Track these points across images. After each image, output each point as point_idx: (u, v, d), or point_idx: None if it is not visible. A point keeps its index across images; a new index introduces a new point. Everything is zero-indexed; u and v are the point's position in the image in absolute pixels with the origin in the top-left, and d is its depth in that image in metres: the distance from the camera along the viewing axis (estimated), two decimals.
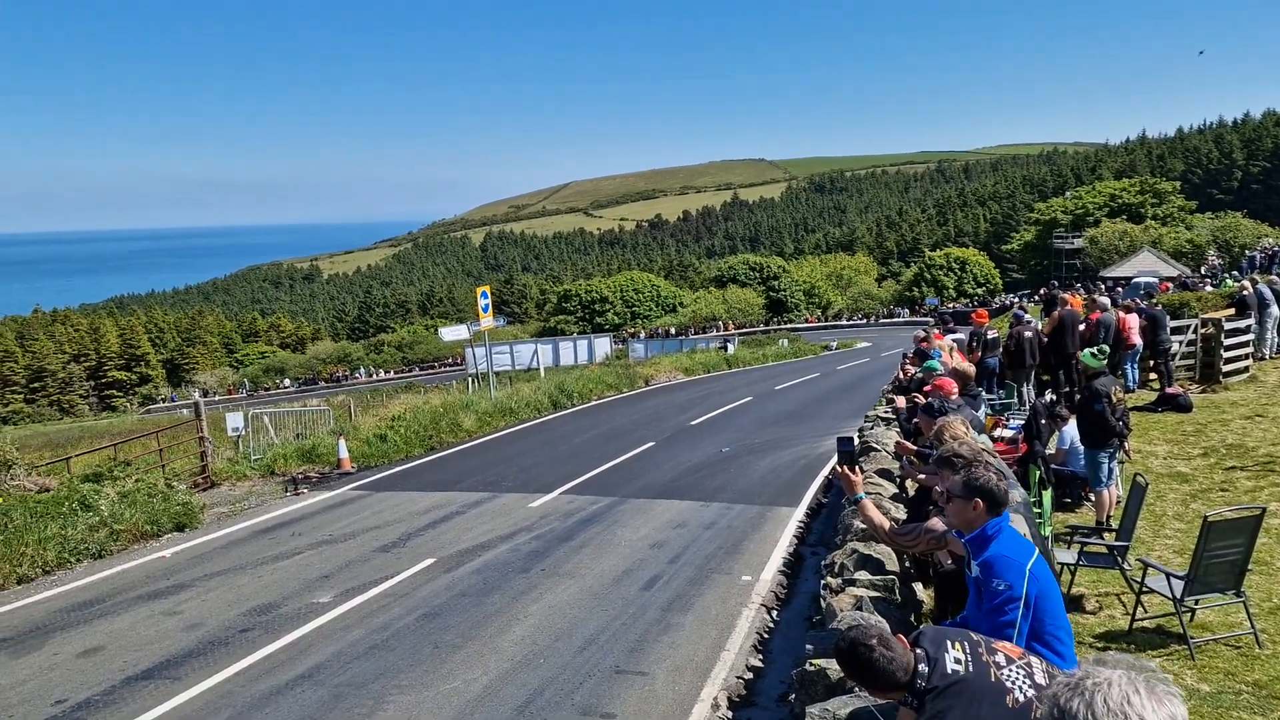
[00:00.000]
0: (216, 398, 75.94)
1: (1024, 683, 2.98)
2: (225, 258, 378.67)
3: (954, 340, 14.86)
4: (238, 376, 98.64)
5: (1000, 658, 3.06)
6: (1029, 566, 3.85)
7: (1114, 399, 9.00)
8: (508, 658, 7.82)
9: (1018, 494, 4.81)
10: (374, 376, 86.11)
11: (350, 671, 7.66)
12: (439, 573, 10.38)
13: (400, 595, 9.64)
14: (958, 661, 3.00)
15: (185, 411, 58.25)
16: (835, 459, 5.93)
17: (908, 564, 6.35)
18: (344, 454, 17.91)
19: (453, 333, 35.35)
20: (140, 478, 14.81)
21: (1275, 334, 18.51)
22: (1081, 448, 9.87)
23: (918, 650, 3.06)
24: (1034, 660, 3.13)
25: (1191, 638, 6.33)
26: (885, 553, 6.02)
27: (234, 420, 19.97)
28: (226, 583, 10.49)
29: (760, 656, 7.79)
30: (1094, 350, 9.60)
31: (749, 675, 7.38)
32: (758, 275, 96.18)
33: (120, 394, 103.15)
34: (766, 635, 8.28)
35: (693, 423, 21.76)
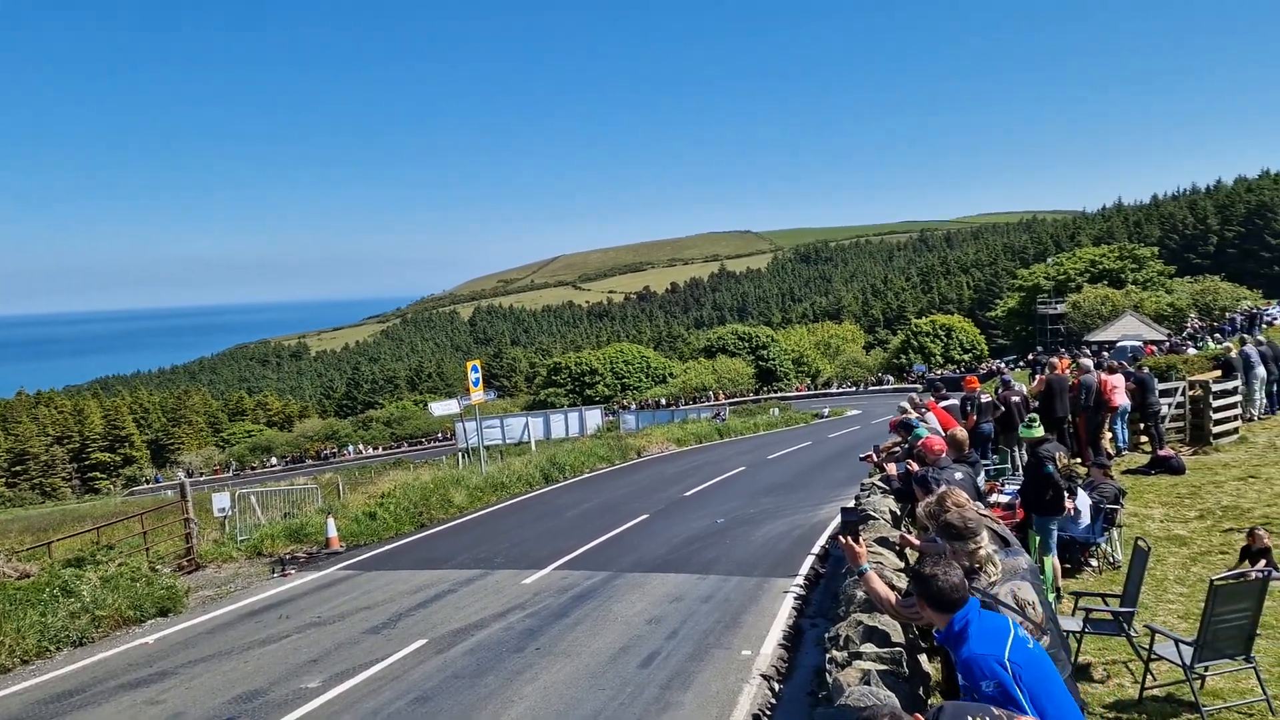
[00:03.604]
0: (202, 478, 75.19)
1: None
2: (212, 336, 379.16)
3: (946, 407, 14.84)
4: (224, 456, 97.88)
5: None
6: (1007, 655, 3.63)
7: (1058, 464, 8.94)
8: None
9: (1024, 560, 4.72)
10: (362, 453, 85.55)
11: None
12: (431, 654, 10.13)
13: (391, 678, 9.39)
14: None
15: (170, 493, 57.58)
16: (839, 529, 5.84)
17: (913, 634, 6.23)
18: (333, 533, 17.65)
19: (443, 407, 35.29)
20: (123, 561, 14.48)
21: (1263, 395, 18.59)
22: (1083, 514, 9.83)
23: None
24: None
25: (1204, 705, 6.20)
26: (890, 624, 5.89)
27: (220, 500, 19.68)
28: (211, 669, 10.21)
29: None
30: (1027, 422, 9.65)
31: None
32: (747, 345, 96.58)
33: (104, 476, 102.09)
34: (769, 712, 8.07)
35: (686, 494, 21.58)
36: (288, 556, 16.86)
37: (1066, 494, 9.79)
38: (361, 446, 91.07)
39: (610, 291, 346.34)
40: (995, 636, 3.73)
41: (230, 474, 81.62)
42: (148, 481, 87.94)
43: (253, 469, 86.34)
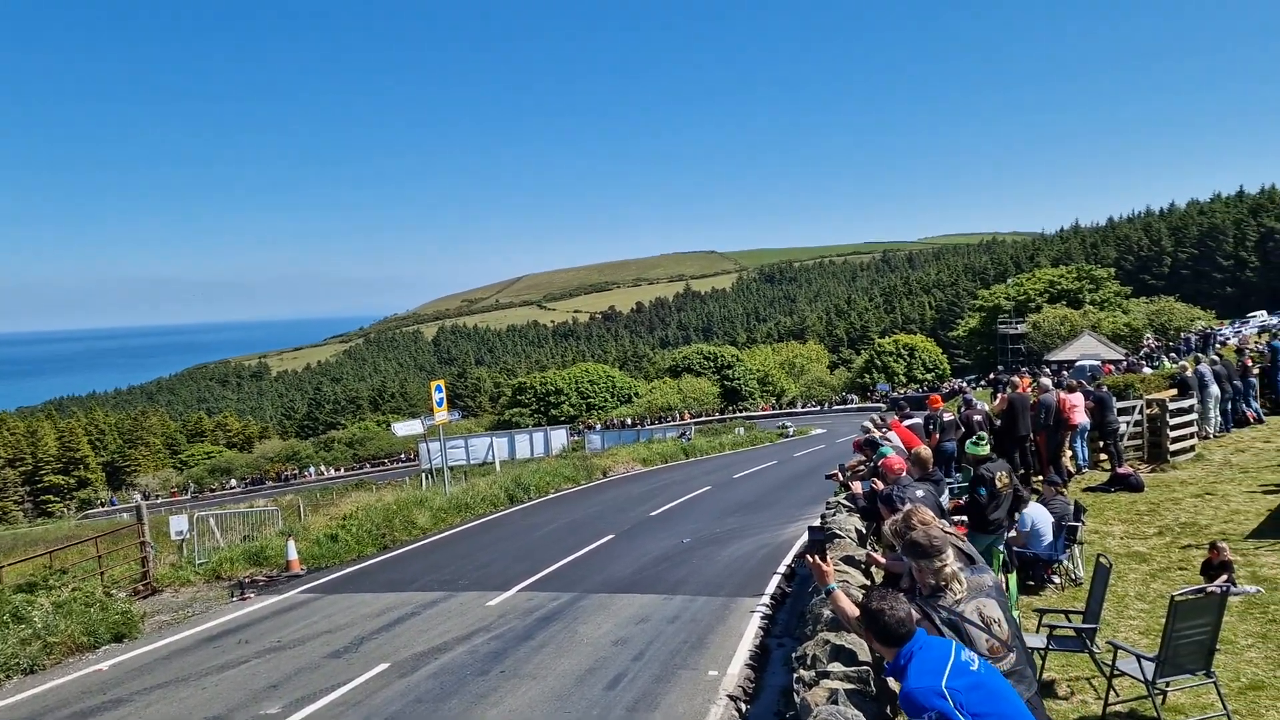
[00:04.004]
0: (159, 500, 73.93)
1: None
2: (171, 356, 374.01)
3: (910, 425, 14.96)
4: (182, 478, 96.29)
5: None
6: (944, 683, 3.61)
7: (999, 484, 9.02)
8: None
9: (989, 578, 4.75)
10: (323, 475, 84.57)
11: None
12: (394, 678, 9.98)
13: (353, 704, 9.23)
14: None
15: (125, 516, 56.40)
16: (807, 547, 5.85)
17: (879, 653, 6.23)
18: (293, 555, 17.38)
19: (407, 427, 35.00)
20: (77, 586, 14.17)
21: (1218, 413, 18.94)
22: (1044, 531, 9.94)
23: None
24: None
25: None
26: (857, 643, 5.88)
27: (178, 523, 19.28)
28: (167, 696, 9.97)
29: None
30: (975, 439, 9.73)
31: None
32: (712, 364, 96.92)
33: (57, 499, 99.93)
34: None
35: (653, 514, 21.53)
36: (247, 580, 16.57)
37: (1008, 513, 9.92)
38: (323, 468, 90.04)
39: (575, 311, 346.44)
40: (934, 667, 3.71)
41: (188, 496, 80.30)
42: (103, 504, 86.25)
43: (211, 491, 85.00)
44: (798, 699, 5.53)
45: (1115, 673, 6.68)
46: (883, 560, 7.20)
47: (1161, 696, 6.49)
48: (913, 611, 3.99)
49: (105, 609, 13.06)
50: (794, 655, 6.80)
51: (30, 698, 10.41)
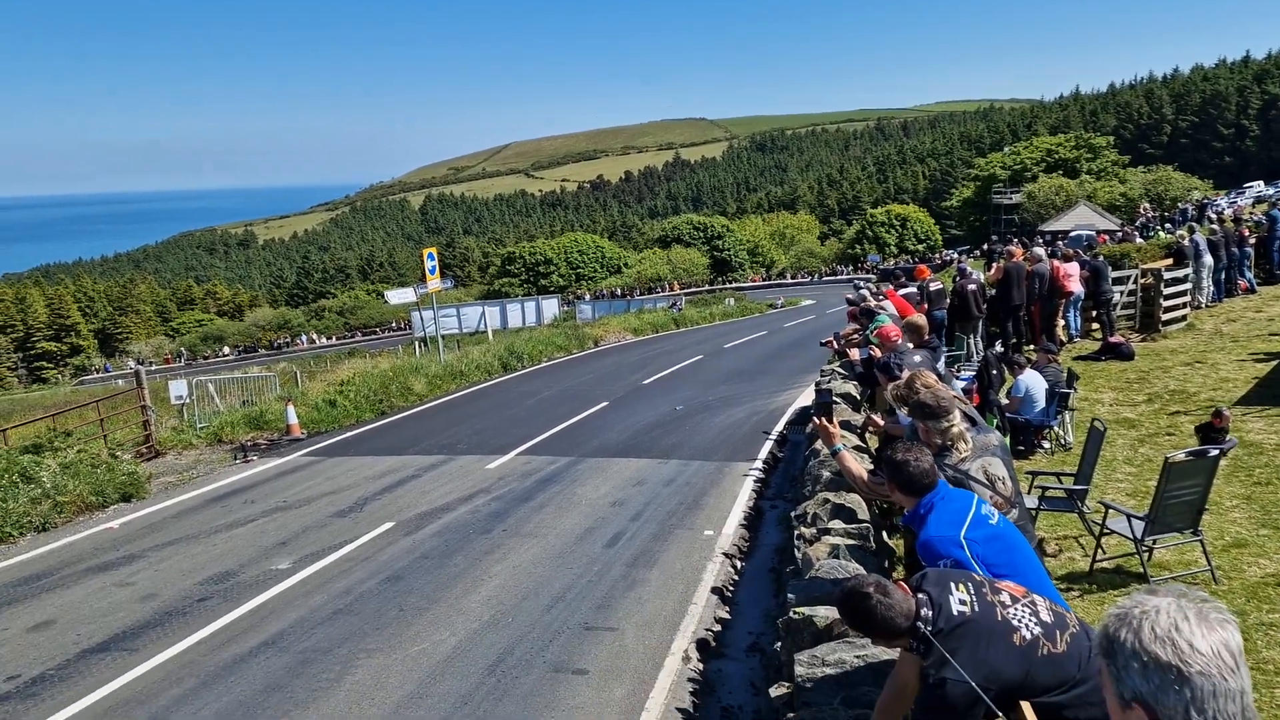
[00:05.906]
0: (153, 367, 74.22)
1: (1030, 620, 2.98)
2: (156, 224, 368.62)
3: (905, 295, 14.97)
4: (174, 345, 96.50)
5: (1005, 596, 3.06)
6: (963, 534, 3.67)
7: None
8: (475, 618, 7.76)
9: (994, 437, 4.83)
10: (315, 343, 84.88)
11: (315, 637, 7.55)
12: (399, 536, 10.25)
13: (361, 559, 9.51)
14: (963, 603, 2.99)
15: (121, 382, 56.76)
16: (814, 409, 5.93)
17: (876, 510, 6.41)
18: (293, 420, 17.57)
19: (399, 295, 34.81)
20: (82, 448, 14.35)
21: (1210, 283, 19.00)
22: (1038, 397, 10.10)
23: (920, 595, 3.04)
24: (1038, 598, 3.13)
25: (1151, 576, 6.50)
26: (856, 501, 6.06)
27: (177, 388, 19.42)
28: (179, 552, 10.25)
29: (727, 609, 7.84)
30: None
31: (717, 627, 7.43)
32: (701, 235, 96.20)
33: (51, 365, 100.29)
34: (731, 587, 8.33)
35: (645, 382, 21.74)
36: (249, 443, 16.80)
37: (1019, 375, 10.03)
38: (315, 336, 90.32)
39: (563, 180, 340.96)
40: (954, 518, 3.77)
41: (181, 363, 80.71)
42: (97, 371, 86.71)
43: (205, 358, 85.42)
44: (799, 554, 5.72)
45: (1105, 531, 6.90)
46: (881, 422, 7.33)
47: (1149, 553, 6.72)
48: (935, 463, 4.05)
49: (112, 470, 13.28)
50: (794, 514, 6.99)
51: (46, 553, 10.68)
